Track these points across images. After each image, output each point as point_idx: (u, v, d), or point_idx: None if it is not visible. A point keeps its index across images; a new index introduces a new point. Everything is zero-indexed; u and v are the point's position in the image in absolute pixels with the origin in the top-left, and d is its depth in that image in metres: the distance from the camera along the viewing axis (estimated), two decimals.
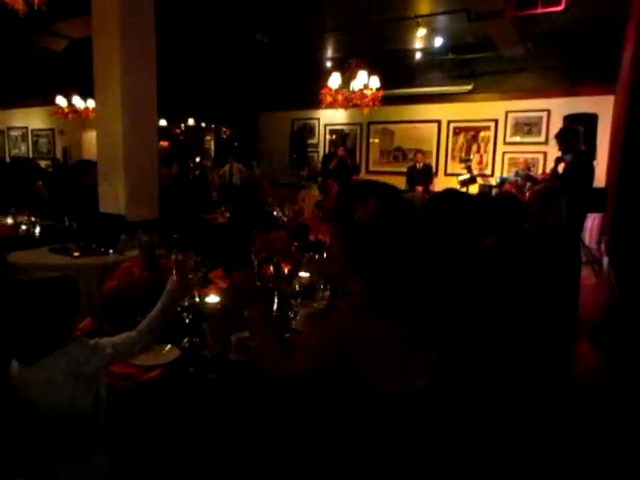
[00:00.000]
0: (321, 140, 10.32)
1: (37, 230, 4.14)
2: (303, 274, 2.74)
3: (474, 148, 8.52)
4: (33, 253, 3.51)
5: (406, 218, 1.59)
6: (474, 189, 7.82)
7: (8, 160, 10.77)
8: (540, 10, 5.47)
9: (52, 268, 3.26)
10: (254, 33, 6.88)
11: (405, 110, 8.96)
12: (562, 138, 4.47)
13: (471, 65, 7.97)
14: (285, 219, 5.27)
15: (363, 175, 8.79)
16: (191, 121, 10.67)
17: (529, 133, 7.99)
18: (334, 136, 10.06)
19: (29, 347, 1.43)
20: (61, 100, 8.24)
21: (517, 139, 8.13)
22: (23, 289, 1.43)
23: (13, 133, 12.64)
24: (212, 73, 8.80)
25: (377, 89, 6.05)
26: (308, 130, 10.45)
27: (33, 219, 4.30)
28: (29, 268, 3.23)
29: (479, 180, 8.02)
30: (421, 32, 6.80)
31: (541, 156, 7.78)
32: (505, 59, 7.58)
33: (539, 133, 7.83)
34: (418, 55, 7.90)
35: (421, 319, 1.44)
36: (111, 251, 3.54)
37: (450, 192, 1.87)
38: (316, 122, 10.29)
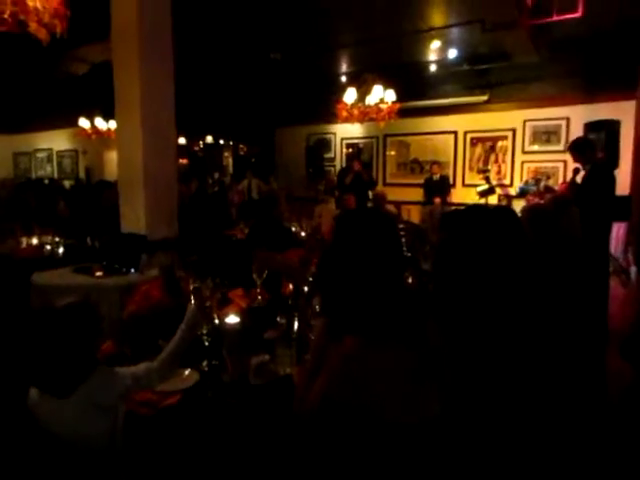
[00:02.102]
0: (337, 154, 10.35)
1: (61, 250, 4.22)
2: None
3: (492, 158, 8.42)
4: (57, 273, 3.57)
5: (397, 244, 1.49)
6: (493, 199, 7.73)
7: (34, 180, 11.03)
8: (556, 17, 5.42)
9: (75, 288, 3.30)
10: (268, 52, 6.97)
11: (421, 122, 8.94)
12: (578, 150, 4.40)
13: (486, 75, 7.91)
14: (303, 234, 5.27)
15: (380, 188, 8.76)
16: (209, 138, 10.83)
17: (548, 142, 7.86)
18: (350, 149, 10.08)
19: (61, 379, 1.41)
20: (84, 122, 8.46)
21: (536, 148, 8.01)
22: (48, 317, 1.43)
23: (39, 155, 13.01)
24: (229, 91, 8.94)
25: (393, 102, 6.05)
26: (324, 144, 10.49)
27: (57, 239, 4.39)
28: (53, 289, 3.28)
29: (498, 190, 7.92)
30: (435, 44, 6.81)
31: (561, 165, 7.64)
32: (521, 67, 7.51)
33: (558, 141, 7.70)
34: (433, 67, 7.89)
35: (431, 343, 1.39)
36: (132, 271, 3.57)
37: (474, 209, 1.82)
38: (332, 136, 10.33)
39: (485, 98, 8.08)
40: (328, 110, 8.60)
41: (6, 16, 2.74)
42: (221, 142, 11.26)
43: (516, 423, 1.39)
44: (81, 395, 1.43)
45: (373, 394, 1.30)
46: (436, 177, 8.21)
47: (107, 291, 3.37)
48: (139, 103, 3.85)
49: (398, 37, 6.49)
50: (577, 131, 7.12)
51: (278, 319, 2.22)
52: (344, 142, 10.20)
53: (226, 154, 11.66)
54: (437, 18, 6.29)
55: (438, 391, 1.38)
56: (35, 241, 4.51)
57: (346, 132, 9.87)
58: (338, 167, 10.20)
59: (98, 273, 3.57)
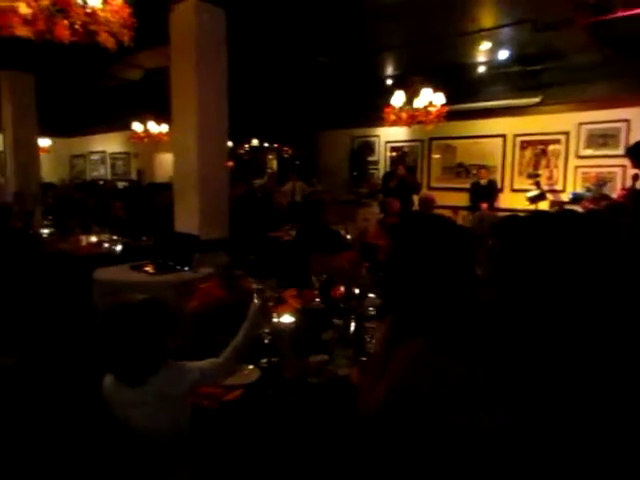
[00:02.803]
0: (381, 157, 10.30)
1: (118, 248, 4.41)
2: (372, 295, 2.73)
3: (543, 163, 8.16)
4: (116, 270, 3.74)
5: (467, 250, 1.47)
6: (544, 206, 7.48)
7: (90, 181, 11.57)
8: (620, 14, 5.14)
9: (133, 285, 3.46)
10: (316, 55, 7.03)
11: (468, 125, 8.77)
12: (637, 155, 4.17)
13: (538, 76, 7.67)
14: (348, 237, 5.28)
15: (425, 191, 8.66)
16: (255, 141, 11.03)
17: (604, 145, 7.53)
18: (394, 153, 10.02)
19: (135, 368, 1.50)
20: (137, 126, 8.80)
21: (591, 152, 7.70)
22: (125, 311, 1.52)
23: (93, 157, 13.66)
24: (274, 94, 9.07)
25: (442, 105, 5.97)
26: (368, 147, 10.48)
27: (114, 238, 4.59)
28: (113, 284, 3.44)
29: (549, 196, 7.66)
30: (485, 45, 6.67)
31: (619, 170, 7.30)
32: (576, 68, 7.23)
33: (616, 145, 7.36)
34: (482, 68, 7.73)
35: (494, 349, 1.37)
36: (186, 269, 3.70)
37: (539, 215, 1.78)
38: (376, 139, 10.30)
39: (537, 100, 7.84)
40: (373, 113, 8.58)
41: (77, 26, 2.90)
42: (266, 145, 11.44)
43: (586, 430, 1.36)
44: (152, 386, 1.50)
45: (438, 395, 1.30)
46: (483, 182, 8.03)
47: (162, 288, 3.50)
48: (195, 110, 3.99)
49: (446, 39, 6.40)
50: (638, 134, 6.78)
51: (334, 320, 2.24)
52: (388, 145, 10.15)
53: (270, 157, 11.83)
54: (487, 19, 6.16)
55: (504, 398, 1.37)
56: (94, 239, 4.74)
57: (391, 135, 9.82)
58: (382, 170, 10.16)
59: (153, 271, 3.71)
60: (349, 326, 2.24)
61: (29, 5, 2.64)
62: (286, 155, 11.67)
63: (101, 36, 2.94)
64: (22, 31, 2.78)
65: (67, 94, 9.55)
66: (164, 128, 8.85)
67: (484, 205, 7.72)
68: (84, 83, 8.83)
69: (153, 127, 8.81)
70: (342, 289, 2.90)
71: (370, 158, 10.44)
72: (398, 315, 1.49)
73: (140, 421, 1.53)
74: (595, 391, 1.40)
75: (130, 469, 1.64)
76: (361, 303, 2.61)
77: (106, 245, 4.50)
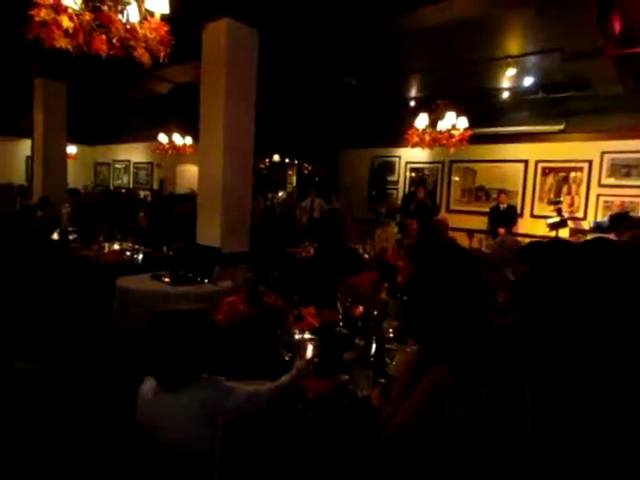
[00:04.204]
0: (401, 177, 10.33)
1: (140, 257, 4.47)
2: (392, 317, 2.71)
3: (564, 190, 8.09)
4: (138, 279, 3.78)
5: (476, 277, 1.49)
6: (564, 233, 7.40)
7: (112, 189, 11.80)
8: None
9: (153, 294, 3.49)
10: (343, 75, 7.13)
11: (490, 149, 8.77)
12: None
13: (563, 104, 7.67)
14: (366, 256, 5.28)
15: (443, 214, 8.64)
16: (276, 157, 11.16)
17: (628, 175, 7.46)
18: (414, 174, 10.04)
19: (176, 374, 1.53)
20: (163, 137, 8.98)
21: (613, 181, 7.62)
22: (170, 319, 1.56)
23: (117, 166, 13.95)
24: (298, 111, 9.19)
25: (465, 129, 5.99)
26: (388, 167, 10.52)
27: (136, 247, 4.66)
28: (135, 293, 3.48)
29: (570, 224, 7.58)
30: (510, 72, 6.69)
31: None
32: (601, 97, 7.21)
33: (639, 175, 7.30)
34: (506, 94, 7.75)
35: (518, 379, 1.36)
36: (206, 281, 3.72)
37: (562, 242, 1.77)
38: (397, 159, 10.34)
39: (560, 127, 7.82)
40: (395, 134, 8.65)
41: (115, 41, 2.99)
42: (286, 161, 11.56)
43: (614, 459, 1.33)
44: (192, 399, 1.51)
45: (461, 421, 1.30)
46: (503, 206, 7.98)
47: (182, 299, 3.53)
48: (222, 125, 4.07)
49: (472, 64, 6.46)
50: None
51: (356, 341, 2.23)
52: (408, 166, 10.18)
53: (290, 172, 11.94)
54: (514, 46, 6.20)
55: (528, 423, 1.35)
56: (117, 247, 4.81)
57: (411, 156, 9.85)
58: (401, 191, 10.18)
59: (174, 281, 3.74)
60: (370, 347, 2.23)
61: (71, 19, 2.74)
62: (306, 171, 11.76)
63: (138, 51, 3.03)
64: (62, 43, 2.88)
65: (95, 103, 9.80)
66: (188, 141, 9.01)
67: (502, 230, 7.66)
68: (113, 94, 9.06)
69: (178, 139, 8.98)
70: (361, 309, 2.90)
71: (390, 178, 10.47)
72: (420, 341, 1.50)
73: (170, 432, 1.53)
74: (622, 421, 1.37)
75: (151, 477, 1.64)
76: (380, 324, 2.61)
77: (128, 253, 4.56)
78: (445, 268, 1.44)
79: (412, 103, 8.53)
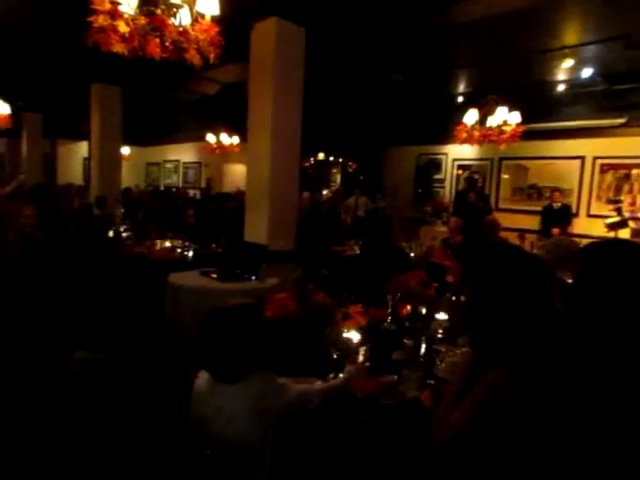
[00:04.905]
0: (448, 175, 10.10)
1: (189, 254, 4.59)
2: (441, 316, 2.65)
3: (625, 188, 7.63)
4: (187, 275, 3.88)
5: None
6: (624, 234, 6.98)
7: (162, 188, 12.21)
8: None
9: (202, 290, 3.57)
10: (389, 72, 7.04)
11: (542, 145, 8.40)
12: None
13: (624, 96, 7.22)
14: (412, 255, 5.19)
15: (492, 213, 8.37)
16: (321, 155, 11.19)
17: None
18: (462, 171, 9.78)
19: (229, 367, 1.56)
20: (211, 137, 9.19)
21: None
22: (225, 314, 1.59)
23: (167, 165, 14.44)
24: (343, 109, 9.16)
25: (517, 125, 5.77)
26: (434, 165, 10.31)
27: (186, 244, 4.79)
28: (185, 289, 3.58)
29: (631, 224, 7.13)
30: (567, 63, 6.39)
31: None
32: None
33: None
34: (561, 87, 7.39)
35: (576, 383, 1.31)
36: (253, 278, 3.78)
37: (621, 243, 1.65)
38: (443, 157, 10.11)
39: (621, 121, 7.37)
40: (442, 130, 8.45)
41: (168, 44, 3.07)
42: (331, 159, 11.56)
43: None
44: (245, 393, 1.54)
45: (518, 428, 1.26)
46: (557, 205, 7.63)
47: (230, 295, 3.59)
48: (270, 124, 4.11)
49: (525, 56, 6.20)
50: None
51: (405, 341, 2.19)
52: (456, 163, 9.94)
53: (334, 171, 11.94)
54: (571, 36, 5.90)
55: (584, 434, 1.29)
56: (168, 244, 4.96)
57: (459, 153, 9.61)
58: (448, 189, 9.96)
59: (222, 278, 3.82)
60: (419, 347, 2.18)
61: (127, 24, 2.84)
62: (350, 170, 11.73)
63: (189, 53, 3.10)
64: (118, 48, 2.99)
65: (147, 105, 10.16)
66: (235, 140, 9.18)
67: (556, 230, 7.32)
68: (164, 96, 9.35)
69: (225, 139, 9.17)
70: (408, 308, 2.85)
71: (436, 176, 10.26)
72: (479, 344, 1.46)
73: (223, 425, 1.56)
74: None
75: (202, 468, 1.67)
76: (428, 324, 2.55)
77: (178, 250, 4.70)
78: (513, 271, 1.41)
79: (460, 99, 8.31)
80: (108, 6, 2.80)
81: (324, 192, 10.36)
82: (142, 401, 2.83)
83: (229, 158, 11.11)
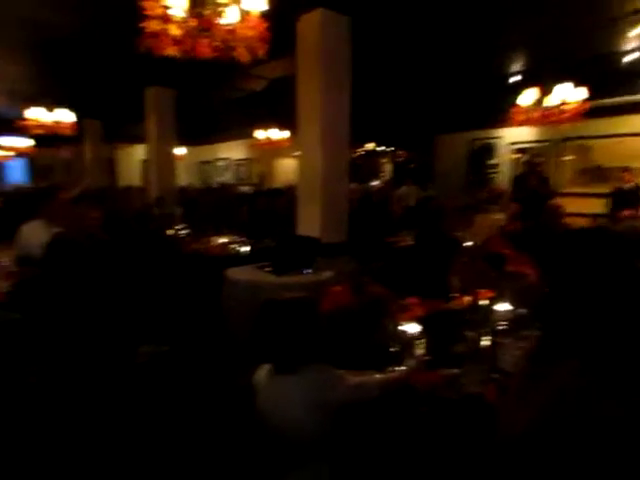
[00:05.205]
0: (503, 160, 9.69)
1: (244, 249, 4.68)
2: (504, 307, 2.54)
3: None
4: (243, 270, 3.96)
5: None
6: None
7: (215, 185, 12.52)
8: None
9: (259, 284, 3.63)
10: (438, 56, 6.82)
11: (609, 123, 7.85)
12: None
13: None
14: (467, 244, 5.02)
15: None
16: (371, 145, 11.07)
17: None
18: (519, 155, 9.35)
19: (286, 359, 1.59)
20: (260, 134, 9.32)
21: None
22: (281, 306, 1.61)
23: (219, 163, 14.82)
24: (392, 98, 9.00)
25: (581, 101, 5.41)
26: (488, 150, 9.92)
27: (241, 239, 4.89)
28: (242, 283, 3.66)
29: None
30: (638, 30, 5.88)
31: None
32: None
33: None
34: (630, 57, 6.83)
35: None
36: (308, 271, 3.80)
37: None
38: (498, 141, 9.71)
39: None
40: (495, 113, 8.10)
41: (217, 43, 3.12)
42: (381, 149, 11.42)
43: None
44: (303, 385, 1.56)
45: (591, 432, 1.17)
46: (628, 186, 7.12)
47: (285, 288, 3.62)
48: (319, 117, 4.09)
49: (588, 27, 5.77)
50: None
51: (467, 333, 2.13)
52: (512, 147, 9.51)
53: (384, 160, 11.77)
54: None
55: None
56: (223, 240, 5.09)
57: (515, 136, 9.19)
58: (503, 174, 9.57)
59: (277, 272, 3.86)
60: (482, 340, 2.10)
61: (179, 27, 2.91)
62: (400, 159, 11.53)
63: (238, 51, 3.14)
64: (171, 51, 3.07)
65: (198, 105, 10.43)
66: (284, 135, 9.25)
67: (626, 212, 6.84)
68: (212, 95, 9.56)
69: (274, 134, 9.26)
70: (469, 298, 2.76)
71: (490, 161, 9.88)
72: (550, 332, 1.37)
73: (283, 416, 1.58)
74: None
75: (263, 458, 1.70)
76: (488, 315, 2.46)
77: (233, 246, 4.81)
78: (599, 259, 1.29)
79: (516, 78, 7.90)
80: (160, 11, 2.88)
81: (373, 183, 10.25)
82: (202, 392, 2.94)
83: (279, 153, 11.23)
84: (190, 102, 9.43)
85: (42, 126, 7.50)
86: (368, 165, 11.42)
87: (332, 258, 4.05)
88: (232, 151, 14.07)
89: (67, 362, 2.22)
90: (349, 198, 4.66)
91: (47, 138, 8.93)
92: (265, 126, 9.44)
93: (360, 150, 11.24)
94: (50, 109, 7.45)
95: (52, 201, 3.91)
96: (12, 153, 13.10)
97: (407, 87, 8.37)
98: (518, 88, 6.35)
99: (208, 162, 15.34)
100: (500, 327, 2.31)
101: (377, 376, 1.77)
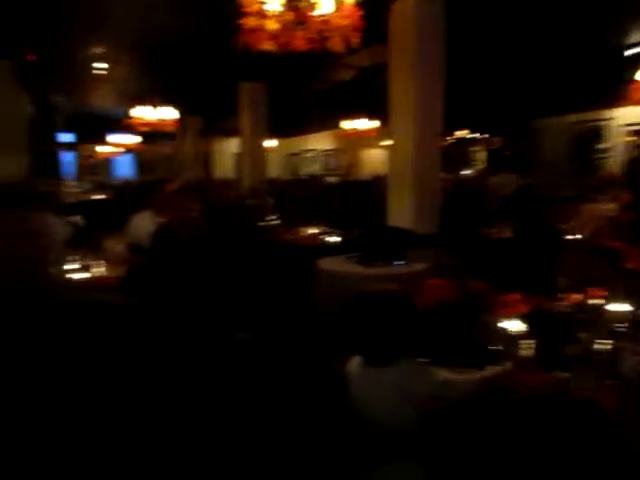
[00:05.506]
0: (614, 144, 8.79)
1: (334, 240, 4.73)
2: (618, 308, 2.31)
3: None
4: (334, 261, 4.00)
5: None
6: None
7: (304, 177, 12.77)
8: None
9: (350, 276, 3.65)
10: (537, 33, 6.31)
11: None
12: None
13: None
14: (576, 237, 4.62)
15: None
16: (462, 132, 10.61)
17: None
18: (635, 138, 8.43)
19: (377, 351, 1.59)
20: (347, 124, 9.32)
21: None
22: (374, 299, 1.61)
23: (307, 155, 15.08)
24: (486, 82, 8.53)
25: None
26: (595, 133, 9.06)
27: (330, 230, 4.95)
28: (334, 274, 3.70)
29: None
30: None
31: None
32: None
33: None
34: None
35: None
36: (400, 263, 3.74)
37: None
38: (609, 123, 8.82)
39: None
40: (607, 92, 7.36)
41: (312, 35, 3.14)
42: (474, 136, 10.90)
43: None
44: (393, 379, 1.55)
45: None
46: None
47: (375, 280, 3.60)
48: (412, 105, 4.00)
49: None
50: None
51: (579, 334, 1.96)
52: (627, 129, 8.57)
53: (477, 148, 11.23)
54: None
55: None
56: (313, 231, 5.17)
57: (630, 116, 8.27)
58: (614, 159, 8.69)
59: (367, 263, 3.85)
60: (596, 342, 1.93)
61: (276, 21, 2.97)
62: (495, 146, 10.93)
63: (332, 41, 3.13)
64: (267, 46, 3.15)
65: (287, 98, 10.66)
66: (372, 124, 9.16)
67: None
68: (302, 87, 9.70)
69: (362, 124, 9.20)
70: (577, 297, 2.55)
71: (598, 145, 9.01)
72: None
73: (374, 409, 1.59)
74: None
75: (353, 449, 1.71)
76: (600, 316, 2.25)
77: (323, 236, 4.87)
78: None
79: (635, 50, 7.04)
80: (257, 7, 2.95)
81: (465, 172, 9.83)
82: (293, 378, 3.02)
83: (366, 143, 11.16)
84: (280, 95, 9.68)
85: (147, 124, 8.11)
86: (459, 154, 10.96)
87: (424, 250, 3.96)
88: (320, 142, 14.23)
89: (172, 346, 2.38)
90: (441, 188, 4.51)
91: (151, 134, 9.66)
92: (353, 116, 9.41)
93: (450, 138, 10.80)
94: (155, 107, 8.03)
95: (158, 193, 4.22)
96: (121, 149, 14.41)
97: (503, 67, 7.86)
98: (634, 62, 5.70)
99: (296, 154, 15.67)
100: (618, 329, 2.10)
101: (469, 376, 1.70)
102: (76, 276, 3.29)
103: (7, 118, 6.29)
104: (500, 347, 1.98)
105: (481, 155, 11.17)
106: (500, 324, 2.07)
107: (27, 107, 7.06)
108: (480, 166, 10.66)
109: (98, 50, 6.83)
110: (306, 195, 7.10)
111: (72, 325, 1.07)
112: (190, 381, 2.39)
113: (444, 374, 1.63)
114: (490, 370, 1.75)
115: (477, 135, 11.03)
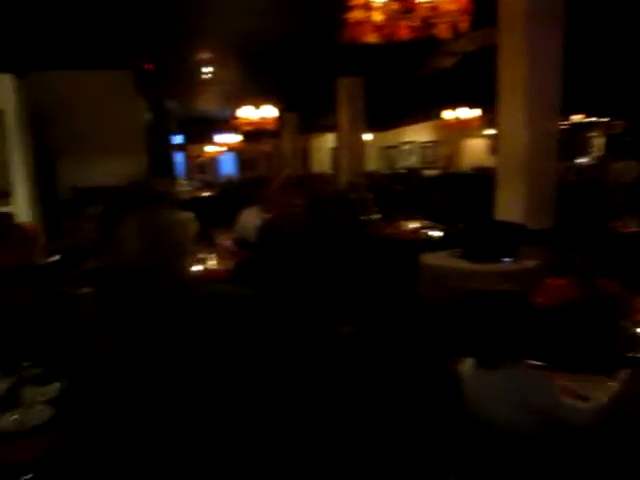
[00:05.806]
0: None
1: (437, 234, 4.58)
2: None
3: None
4: (439, 256, 3.87)
5: None
6: None
7: (402, 170, 12.54)
8: None
9: (456, 272, 3.51)
10: None
11: None
12: None
13: None
14: None
15: None
16: (577, 117, 9.69)
17: None
18: None
19: (490, 353, 1.52)
20: (447, 114, 8.97)
21: None
22: (488, 299, 1.53)
23: (404, 147, 14.80)
24: (605, 58, 7.67)
25: None
26: None
27: (433, 224, 4.80)
28: (439, 270, 3.59)
29: None
30: None
31: None
32: None
33: None
34: None
35: None
36: (509, 259, 3.52)
37: None
38: None
39: None
40: None
41: (417, 23, 3.04)
42: (588, 120, 9.90)
43: None
44: (506, 382, 1.47)
45: None
46: None
47: (483, 276, 3.43)
48: (524, 89, 3.72)
49: None
50: None
51: None
52: None
53: (595, 134, 10.18)
54: None
55: None
56: (414, 225, 5.05)
57: None
58: None
59: (473, 258, 3.67)
60: None
61: (382, 12, 2.92)
62: (615, 131, 9.82)
63: (439, 27, 3.01)
64: (372, 38, 3.11)
65: (384, 90, 10.49)
66: (474, 113, 8.73)
67: None
68: (402, 77, 9.49)
69: (463, 113, 8.81)
70: None
71: None
72: None
73: (489, 412, 1.52)
74: None
75: (474, 457, 1.63)
76: None
77: (426, 231, 4.75)
78: None
79: None
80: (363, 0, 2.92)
81: (580, 160, 8.98)
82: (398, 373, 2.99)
83: (466, 133, 10.68)
84: (377, 88, 9.57)
85: (250, 123, 8.49)
86: (574, 140, 10.01)
87: (537, 245, 3.68)
88: (417, 134, 13.88)
89: (287, 337, 2.48)
90: (557, 178, 4.14)
91: (252, 133, 10.08)
92: (453, 105, 9.02)
93: (565, 123, 9.89)
94: (257, 107, 8.37)
95: (264, 190, 4.39)
96: (224, 148, 15.28)
97: (625, 42, 7.00)
98: None
99: (393, 147, 15.44)
100: None
101: (593, 404, 1.51)
102: (194, 269, 3.54)
103: (128, 123, 6.97)
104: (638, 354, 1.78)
105: (599, 141, 10.10)
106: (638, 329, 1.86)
107: (145, 113, 7.74)
108: (597, 153, 9.66)
109: (205, 55, 7.26)
110: (405, 189, 6.96)
111: (211, 314, 1.15)
112: (305, 371, 2.48)
113: (568, 401, 1.49)
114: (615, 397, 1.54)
115: (594, 119, 10.00)
